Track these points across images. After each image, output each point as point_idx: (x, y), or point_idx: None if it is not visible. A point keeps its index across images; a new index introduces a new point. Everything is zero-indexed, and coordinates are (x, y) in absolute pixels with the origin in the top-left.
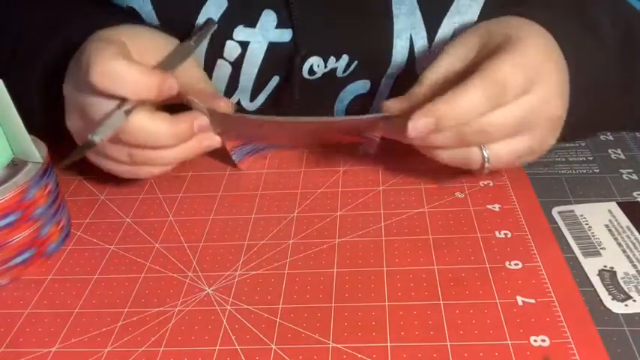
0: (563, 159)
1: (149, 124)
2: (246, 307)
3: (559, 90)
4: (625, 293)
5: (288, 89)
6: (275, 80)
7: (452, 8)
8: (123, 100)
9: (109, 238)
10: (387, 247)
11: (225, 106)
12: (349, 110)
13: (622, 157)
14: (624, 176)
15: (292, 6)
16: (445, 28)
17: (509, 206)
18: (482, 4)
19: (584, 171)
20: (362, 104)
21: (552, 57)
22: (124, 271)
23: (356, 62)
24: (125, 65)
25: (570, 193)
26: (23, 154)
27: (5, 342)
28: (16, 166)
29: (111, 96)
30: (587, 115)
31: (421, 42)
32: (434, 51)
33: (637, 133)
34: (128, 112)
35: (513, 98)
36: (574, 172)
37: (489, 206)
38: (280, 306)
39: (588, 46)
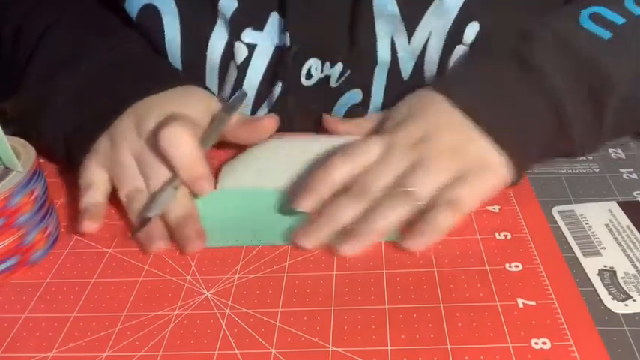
0: (563, 159)
1: (190, 203)
2: (245, 310)
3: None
4: (625, 293)
5: (287, 96)
6: (277, 87)
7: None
8: (173, 176)
9: (107, 241)
10: (386, 250)
11: (269, 123)
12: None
13: (622, 157)
14: (624, 176)
15: (291, 9)
16: (423, 32)
17: (508, 207)
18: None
19: (584, 171)
20: (357, 115)
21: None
22: (122, 274)
23: (349, 71)
24: (193, 145)
25: (570, 193)
26: (8, 163)
27: (2, 346)
28: (6, 169)
29: (156, 166)
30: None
31: (402, 44)
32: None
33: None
34: (176, 189)
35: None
36: (574, 171)
37: (489, 208)
38: (279, 309)
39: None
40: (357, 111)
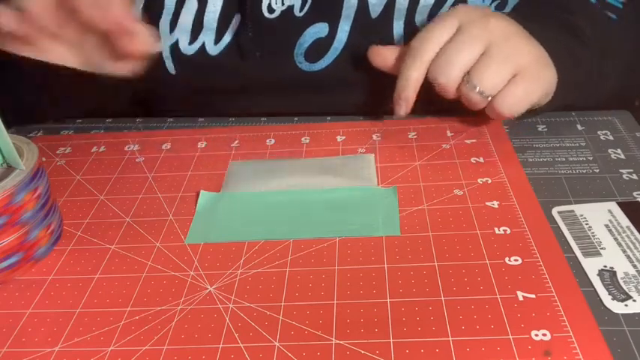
0: (563, 159)
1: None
2: (248, 305)
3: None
4: (625, 293)
5: (250, 29)
6: (238, 18)
7: None
8: None
9: (110, 238)
10: (387, 244)
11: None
12: (308, 54)
13: (622, 157)
14: (624, 176)
15: None
16: None
17: (507, 203)
18: None
19: (584, 171)
20: (321, 49)
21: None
22: (125, 270)
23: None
24: None
25: (570, 193)
26: (11, 161)
27: (8, 342)
28: (9, 167)
29: None
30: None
31: None
32: None
33: (637, 133)
34: None
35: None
36: (574, 172)
37: (488, 203)
38: (282, 304)
39: (565, 40)
40: (321, 46)
